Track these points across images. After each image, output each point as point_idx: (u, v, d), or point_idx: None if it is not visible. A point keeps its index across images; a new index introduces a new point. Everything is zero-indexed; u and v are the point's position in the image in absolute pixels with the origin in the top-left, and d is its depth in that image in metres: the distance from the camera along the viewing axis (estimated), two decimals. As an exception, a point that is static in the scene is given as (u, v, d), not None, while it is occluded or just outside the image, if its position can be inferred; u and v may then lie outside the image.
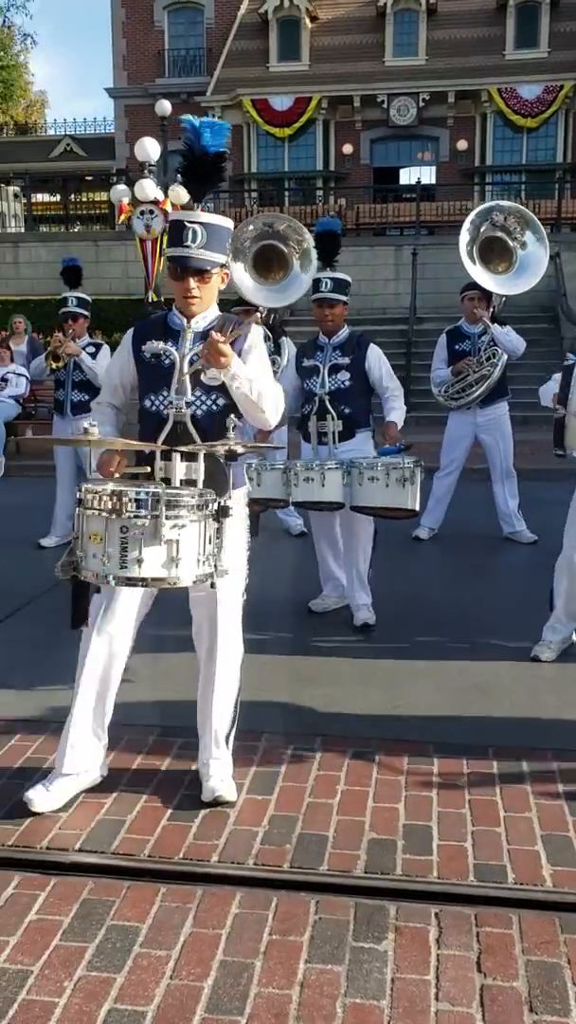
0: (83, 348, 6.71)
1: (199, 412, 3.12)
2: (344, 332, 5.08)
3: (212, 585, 2.97)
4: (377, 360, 5.05)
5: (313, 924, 2.57)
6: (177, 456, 3.03)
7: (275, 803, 3.19)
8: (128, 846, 2.95)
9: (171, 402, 3.12)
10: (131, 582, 2.83)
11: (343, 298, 5.03)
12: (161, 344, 3.10)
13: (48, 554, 6.60)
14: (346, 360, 5.00)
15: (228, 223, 3.16)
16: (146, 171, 14.16)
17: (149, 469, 3.13)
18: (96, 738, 3.27)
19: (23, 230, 20.31)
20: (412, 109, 26.16)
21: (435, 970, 2.39)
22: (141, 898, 2.70)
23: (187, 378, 3.10)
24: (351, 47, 26.72)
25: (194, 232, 3.01)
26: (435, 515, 6.97)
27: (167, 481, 3.03)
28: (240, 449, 2.95)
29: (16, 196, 21.27)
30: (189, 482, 3.03)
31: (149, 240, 13.97)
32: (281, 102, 25.96)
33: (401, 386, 5.21)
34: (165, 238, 14.50)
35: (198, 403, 3.12)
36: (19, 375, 11.50)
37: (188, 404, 3.11)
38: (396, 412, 5.03)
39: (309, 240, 6.00)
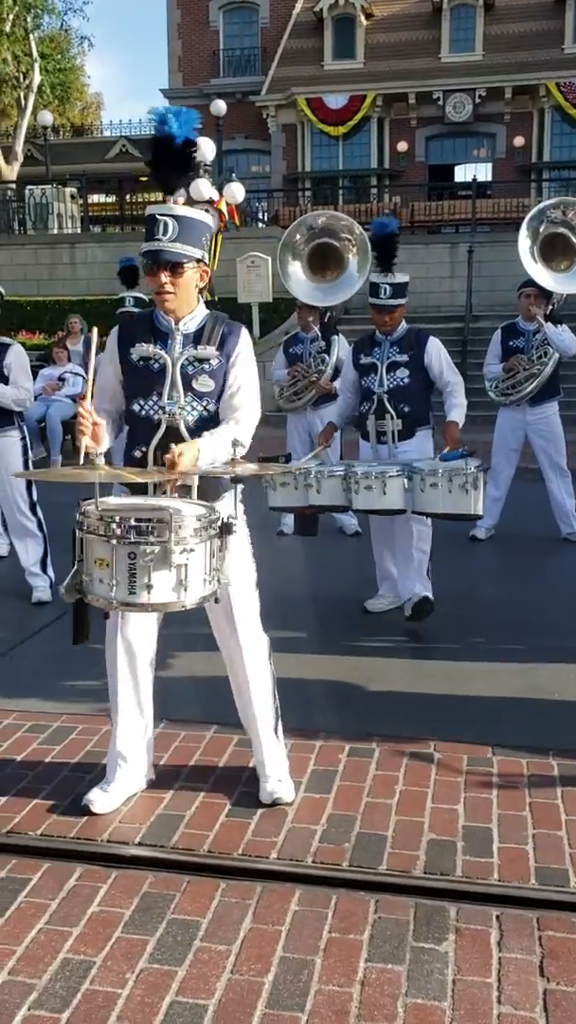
0: None
1: (191, 417, 3.03)
2: (402, 328, 5.05)
3: (216, 600, 2.90)
4: (437, 354, 5.00)
5: (373, 923, 2.57)
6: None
7: (333, 802, 3.20)
8: (187, 841, 2.97)
9: (163, 407, 3.02)
10: (140, 608, 2.77)
11: (402, 302, 5.00)
12: (151, 347, 3.03)
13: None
14: (404, 357, 4.96)
15: (205, 217, 3.05)
16: (201, 171, 14.24)
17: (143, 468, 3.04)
18: (141, 745, 3.30)
19: (79, 231, 20.53)
20: (468, 105, 25.95)
21: (497, 973, 2.37)
22: (201, 893, 2.72)
23: (179, 382, 3.02)
24: (407, 44, 26.58)
25: (165, 224, 2.92)
26: (492, 514, 6.90)
27: (157, 487, 2.98)
28: (242, 472, 2.88)
29: (73, 197, 21.51)
30: (184, 488, 2.97)
31: (204, 240, 14.06)
32: (336, 100, 25.91)
33: (462, 380, 5.12)
34: (220, 238, 14.63)
35: (190, 408, 3.03)
36: (76, 374, 11.62)
37: (180, 410, 3.02)
38: (456, 411, 4.95)
39: (364, 238, 5.98)
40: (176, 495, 2.94)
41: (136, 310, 6.80)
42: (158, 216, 2.95)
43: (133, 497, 3.03)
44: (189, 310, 3.06)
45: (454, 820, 3.07)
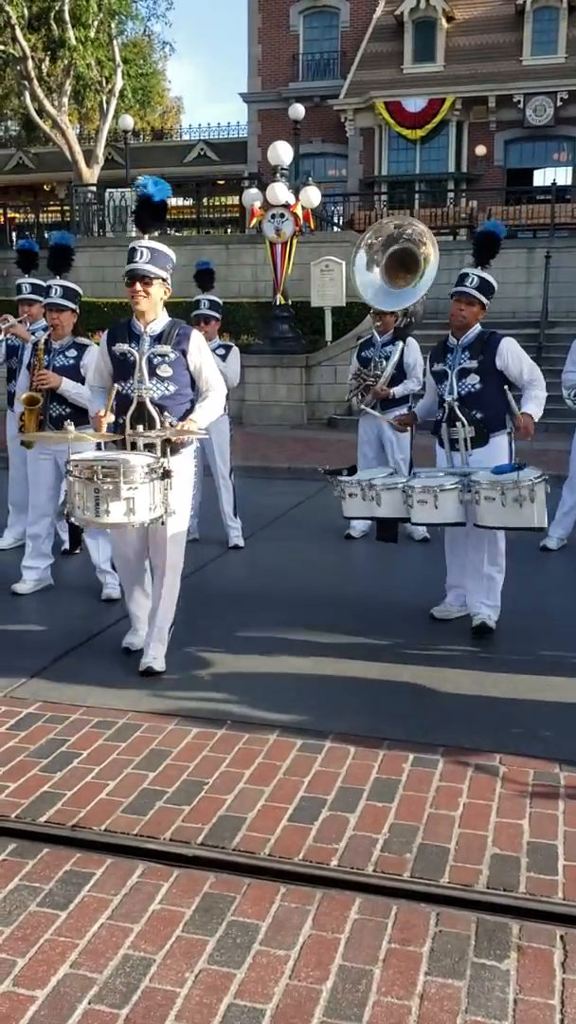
0: (213, 350, 6.82)
1: (155, 395, 4.27)
2: (473, 332, 4.98)
3: (163, 523, 4.19)
4: (511, 354, 4.91)
5: (433, 936, 2.54)
6: (140, 428, 4.18)
7: (395, 811, 3.17)
8: (248, 844, 2.98)
9: (135, 388, 4.26)
10: (102, 525, 4.14)
11: (484, 300, 4.94)
12: (126, 346, 4.30)
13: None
14: (474, 363, 4.90)
15: (168, 250, 4.28)
16: (278, 175, 14.32)
17: (122, 437, 4.25)
18: (146, 611, 4.65)
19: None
20: (549, 109, 25.55)
21: (560, 995, 2.32)
22: (261, 896, 2.73)
23: (145, 370, 4.25)
24: (488, 47, 26.30)
25: (142, 252, 4.19)
26: (564, 525, 6.78)
27: (134, 445, 4.20)
28: (170, 435, 4.18)
29: (151, 200, 21.77)
30: (149, 446, 4.18)
31: (279, 243, 14.13)
32: (415, 104, 25.76)
33: (542, 377, 4.99)
34: (295, 241, 14.66)
35: (155, 388, 4.27)
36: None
37: (147, 390, 4.24)
38: (532, 403, 4.85)
39: (436, 245, 5.93)
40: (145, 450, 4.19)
41: (212, 313, 6.84)
42: (137, 247, 4.21)
43: (108, 452, 4.27)
44: (155, 317, 4.32)
45: (518, 835, 3.02)
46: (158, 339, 4.28)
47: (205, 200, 25.13)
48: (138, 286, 4.21)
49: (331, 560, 6.77)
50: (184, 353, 4.31)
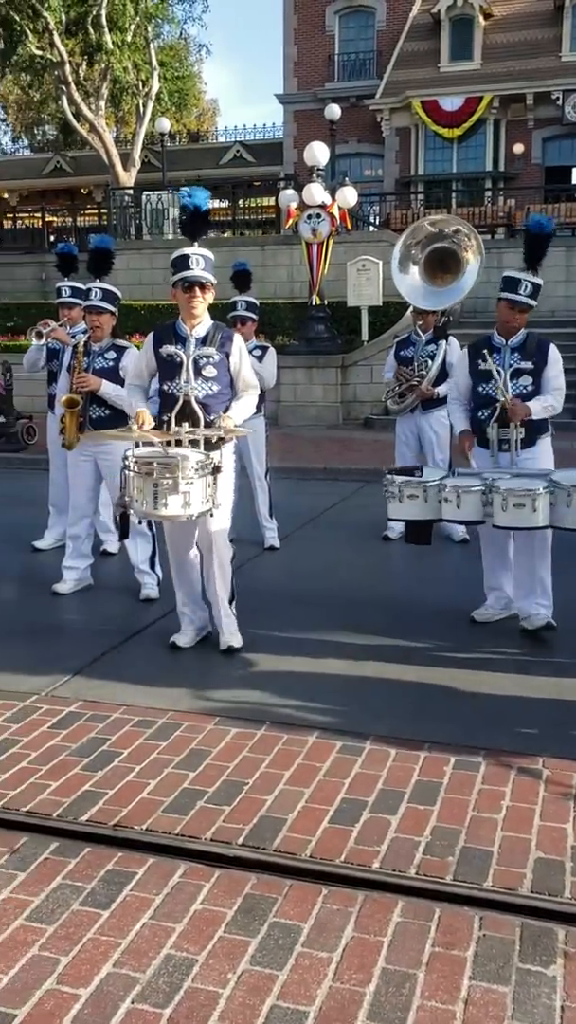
0: (250, 351, 6.81)
1: (200, 394, 4.50)
2: (521, 333, 4.94)
3: (211, 515, 4.41)
4: (555, 363, 4.91)
5: (477, 940, 2.52)
6: (185, 425, 4.41)
7: (437, 814, 3.14)
8: (289, 845, 2.97)
9: (181, 387, 4.49)
10: (161, 518, 4.38)
11: (534, 304, 4.91)
12: (172, 347, 4.54)
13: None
14: (528, 364, 4.86)
15: (211, 255, 4.52)
16: (314, 175, 14.30)
17: (166, 427, 4.45)
18: (198, 607, 4.87)
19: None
20: (588, 105, 25.26)
21: (607, 1002, 2.29)
22: (302, 898, 2.72)
23: (191, 371, 4.49)
24: (526, 43, 26.06)
25: (196, 259, 4.43)
26: None
27: (179, 443, 4.36)
28: (222, 434, 4.45)
29: (188, 202, 21.86)
30: (194, 443, 4.37)
31: (315, 243, 14.11)
32: (451, 103, 25.59)
33: (564, 391, 4.99)
34: (331, 242, 14.63)
35: (199, 388, 4.51)
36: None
37: (193, 389, 4.48)
38: (540, 402, 4.83)
39: (480, 241, 5.87)
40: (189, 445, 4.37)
41: (249, 314, 6.84)
42: (191, 254, 4.44)
43: (170, 449, 4.35)
44: (201, 320, 4.55)
45: (563, 839, 2.99)
46: (203, 341, 4.53)
47: (241, 202, 25.20)
48: (196, 291, 4.46)
49: (368, 561, 6.74)
50: (227, 355, 4.57)
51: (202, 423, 4.45)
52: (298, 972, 2.41)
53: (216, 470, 4.30)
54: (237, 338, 4.65)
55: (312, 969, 2.42)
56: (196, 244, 4.52)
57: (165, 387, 4.56)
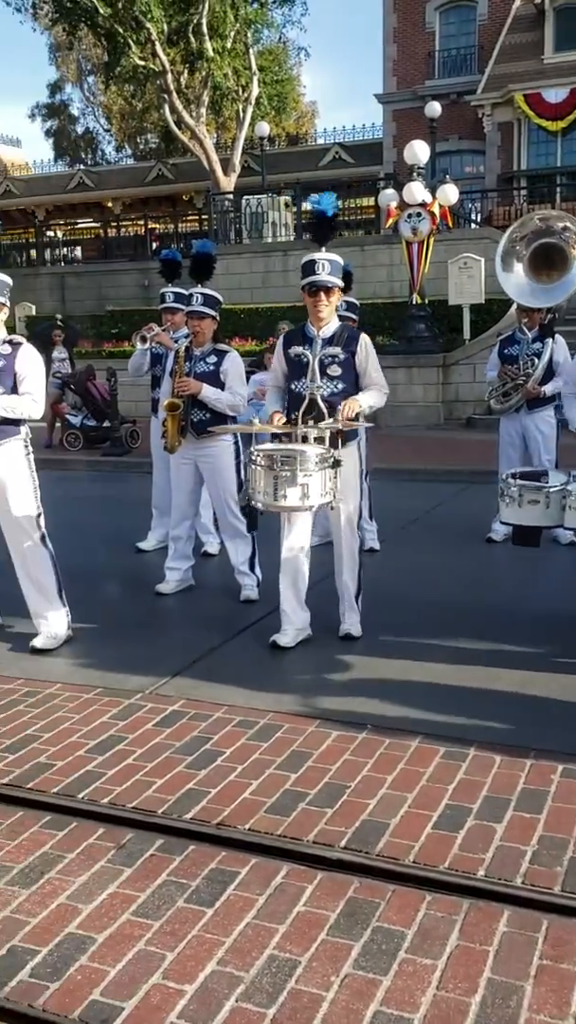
0: None
1: (325, 392, 4.71)
2: None
3: (332, 508, 4.63)
4: None
5: (587, 955, 2.44)
6: (311, 422, 4.65)
7: (544, 823, 3.07)
8: (392, 850, 2.95)
9: (307, 386, 4.71)
10: (281, 509, 4.52)
11: None
12: (300, 348, 4.78)
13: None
14: None
15: (340, 259, 4.74)
16: (415, 174, 14.19)
17: (294, 425, 4.70)
18: (300, 608, 4.91)
19: (292, 238, 20.96)
20: None
21: None
22: (406, 903, 2.69)
23: (317, 370, 4.71)
24: None
25: (323, 264, 4.64)
26: None
27: (305, 438, 4.57)
28: (340, 427, 4.60)
29: (287, 205, 21.96)
30: (319, 439, 4.56)
31: (415, 243, 14.00)
32: (555, 95, 25.00)
33: None
34: (431, 240, 14.46)
35: (325, 386, 4.72)
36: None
37: (318, 388, 4.68)
38: None
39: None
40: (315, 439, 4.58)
41: (349, 314, 6.81)
42: (316, 259, 4.66)
43: (285, 444, 4.67)
44: (328, 321, 4.76)
45: None
46: (329, 342, 4.73)
47: (340, 203, 25.17)
48: (321, 296, 4.67)
49: (471, 564, 6.64)
50: (352, 354, 4.75)
51: (326, 420, 4.63)
52: (402, 978, 2.38)
53: (336, 464, 4.48)
54: (363, 338, 4.78)
55: (416, 976, 2.39)
56: (323, 250, 4.71)
57: (293, 386, 4.82)
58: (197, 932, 2.59)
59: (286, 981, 2.38)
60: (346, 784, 3.36)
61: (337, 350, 4.72)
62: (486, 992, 2.32)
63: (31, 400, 4.79)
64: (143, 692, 4.31)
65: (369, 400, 4.77)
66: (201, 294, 5.60)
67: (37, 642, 4.93)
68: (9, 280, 4.91)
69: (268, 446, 4.62)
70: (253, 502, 4.58)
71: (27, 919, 2.67)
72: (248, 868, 2.88)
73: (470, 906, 2.66)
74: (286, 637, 4.89)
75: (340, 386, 4.72)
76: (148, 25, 23.17)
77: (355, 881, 2.80)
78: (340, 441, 4.67)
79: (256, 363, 12.02)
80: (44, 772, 3.53)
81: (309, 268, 4.67)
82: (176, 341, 6.72)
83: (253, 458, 4.49)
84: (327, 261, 4.65)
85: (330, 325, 4.77)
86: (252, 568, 5.79)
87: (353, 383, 4.78)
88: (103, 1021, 2.26)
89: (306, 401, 4.72)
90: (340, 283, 4.74)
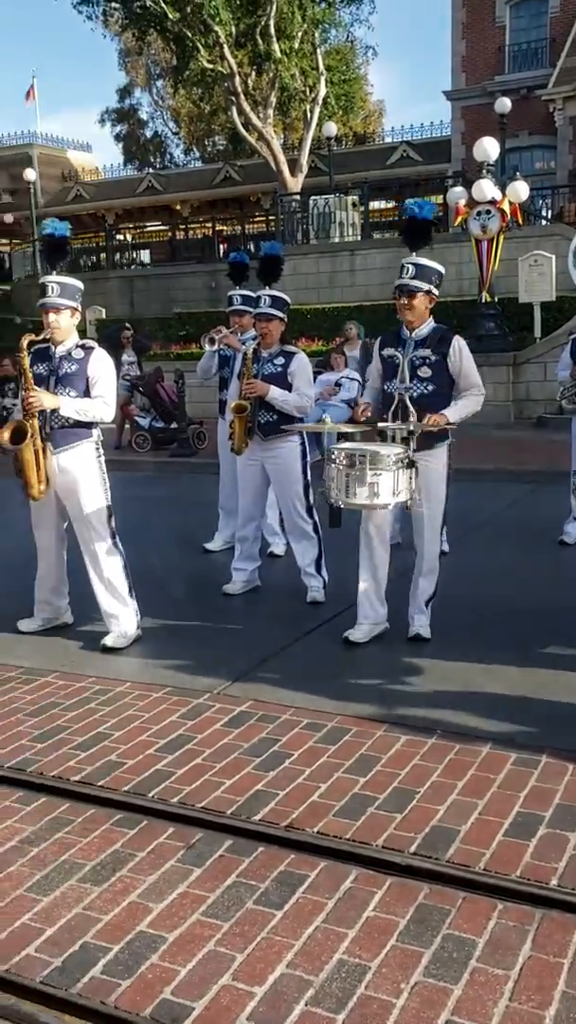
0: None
1: (415, 393, 4.78)
2: None
3: (407, 508, 4.73)
4: None
5: None
6: (398, 422, 4.78)
7: (619, 833, 3.00)
8: (463, 856, 2.91)
9: (396, 387, 4.81)
10: (352, 506, 4.64)
11: None
12: (392, 350, 4.87)
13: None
14: None
15: (435, 264, 4.78)
16: (484, 171, 14.04)
17: (380, 425, 4.84)
18: (379, 602, 5.00)
19: (359, 238, 20.91)
20: None
21: None
22: (477, 912, 2.65)
23: (407, 372, 4.79)
24: None
25: (408, 269, 4.74)
26: None
27: (392, 438, 4.73)
28: (412, 427, 4.68)
29: (354, 205, 21.91)
30: (405, 440, 4.67)
31: (485, 240, 13.85)
32: (629, 87, 24.49)
33: None
34: (501, 237, 14.29)
35: (415, 388, 4.79)
36: (352, 380, 11.83)
37: (407, 389, 4.77)
38: None
39: None
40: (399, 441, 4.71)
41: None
42: (404, 263, 4.76)
43: (365, 443, 4.78)
44: (421, 323, 4.82)
45: None
46: (422, 344, 4.80)
47: (408, 201, 25.00)
48: (404, 299, 4.76)
49: (542, 566, 6.53)
50: (444, 356, 4.79)
51: (413, 420, 4.70)
52: (473, 988, 2.35)
53: (411, 464, 4.59)
54: (456, 340, 4.80)
55: (488, 986, 2.36)
56: (414, 255, 4.78)
57: (385, 387, 4.92)
58: (266, 934, 2.59)
59: (356, 987, 2.37)
60: (415, 789, 3.34)
61: (428, 352, 4.77)
62: (560, 1006, 2.28)
63: (103, 403, 4.86)
64: (211, 692, 4.34)
65: (459, 413, 4.78)
66: (269, 296, 5.62)
67: (108, 641, 5.00)
68: (81, 285, 4.99)
69: (347, 444, 4.77)
70: (328, 499, 4.68)
71: (99, 916, 2.70)
72: (317, 871, 2.88)
73: (543, 916, 2.62)
74: (359, 632, 4.96)
75: (431, 387, 4.78)
76: (216, 28, 23.33)
77: (425, 887, 2.77)
78: (424, 443, 4.72)
79: (322, 363, 12.03)
80: (115, 770, 3.58)
81: (401, 271, 4.78)
82: (243, 343, 6.76)
83: (331, 456, 4.61)
84: (412, 265, 4.72)
85: (424, 327, 4.83)
86: (319, 570, 5.79)
87: (446, 385, 4.83)
88: (174, 1020, 2.28)
89: (396, 402, 4.81)
90: (426, 287, 4.73)
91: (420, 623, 5.01)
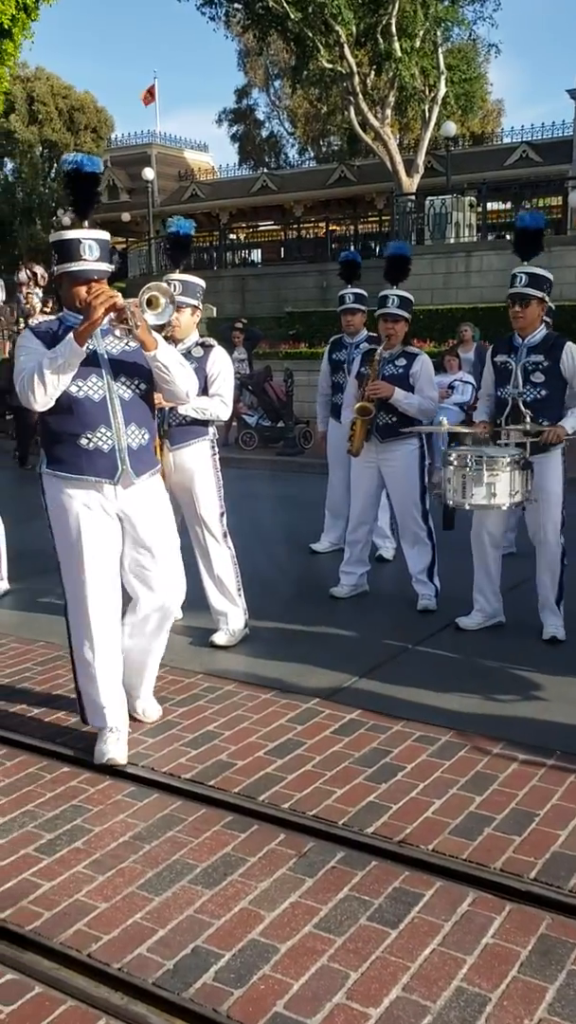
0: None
1: (528, 398, 4.86)
2: None
3: (523, 508, 4.85)
4: None
5: None
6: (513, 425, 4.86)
7: None
8: (587, 887, 2.78)
9: (509, 392, 4.91)
10: (469, 506, 4.76)
11: None
12: (505, 356, 4.98)
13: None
14: None
15: (547, 274, 4.89)
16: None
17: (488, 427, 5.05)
18: (493, 596, 5.19)
19: (475, 239, 20.56)
20: None
21: None
22: (604, 948, 2.52)
23: (520, 377, 4.88)
24: None
25: (520, 278, 4.83)
26: None
27: (498, 439, 4.94)
28: (528, 428, 4.78)
29: (471, 206, 21.56)
30: (520, 444, 4.78)
31: (608, 244, 13.40)
32: None
33: None
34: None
35: (527, 393, 4.87)
36: (465, 383, 11.63)
37: (520, 394, 4.87)
38: None
39: None
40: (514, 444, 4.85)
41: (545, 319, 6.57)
42: (517, 272, 4.86)
43: (482, 447, 4.94)
44: (532, 330, 4.93)
45: None
46: (534, 349, 4.90)
47: (527, 203, 24.52)
48: (517, 307, 4.86)
49: None
50: (556, 361, 4.85)
51: (527, 425, 4.79)
52: (601, 1031, 2.23)
53: (527, 466, 4.70)
54: (569, 346, 4.87)
55: (617, 1030, 2.23)
56: (526, 264, 4.89)
57: (499, 392, 5.01)
58: (381, 953, 2.52)
59: (475, 1018, 2.28)
60: (535, 812, 3.21)
61: (541, 357, 4.88)
62: None
63: (220, 402, 4.86)
64: (319, 698, 4.29)
65: (573, 424, 4.82)
66: (397, 296, 5.53)
67: (217, 638, 5.01)
68: (202, 283, 5.00)
69: (463, 447, 4.95)
70: (444, 500, 4.81)
71: (211, 920, 2.68)
72: (432, 891, 2.79)
73: None
74: (471, 620, 5.20)
75: (544, 392, 4.86)
76: (337, 28, 23.27)
77: (547, 917, 2.66)
78: (539, 446, 4.80)
79: (436, 365, 11.85)
80: (225, 770, 3.56)
81: (511, 280, 4.90)
82: (357, 345, 6.70)
83: (447, 457, 4.77)
84: (524, 274, 4.84)
85: (536, 334, 4.95)
86: (431, 577, 5.67)
87: (559, 389, 4.90)
88: (287, 1036, 2.23)
89: (509, 406, 4.92)
90: (539, 294, 4.85)
91: (554, 624, 5.05)
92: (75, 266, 3.50)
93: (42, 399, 3.47)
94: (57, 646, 5.00)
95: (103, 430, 3.55)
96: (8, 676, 4.62)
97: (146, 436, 3.69)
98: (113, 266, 3.72)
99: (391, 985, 2.40)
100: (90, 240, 3.49)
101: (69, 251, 3.49)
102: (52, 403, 3.50)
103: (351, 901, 2.75)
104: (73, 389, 3.50)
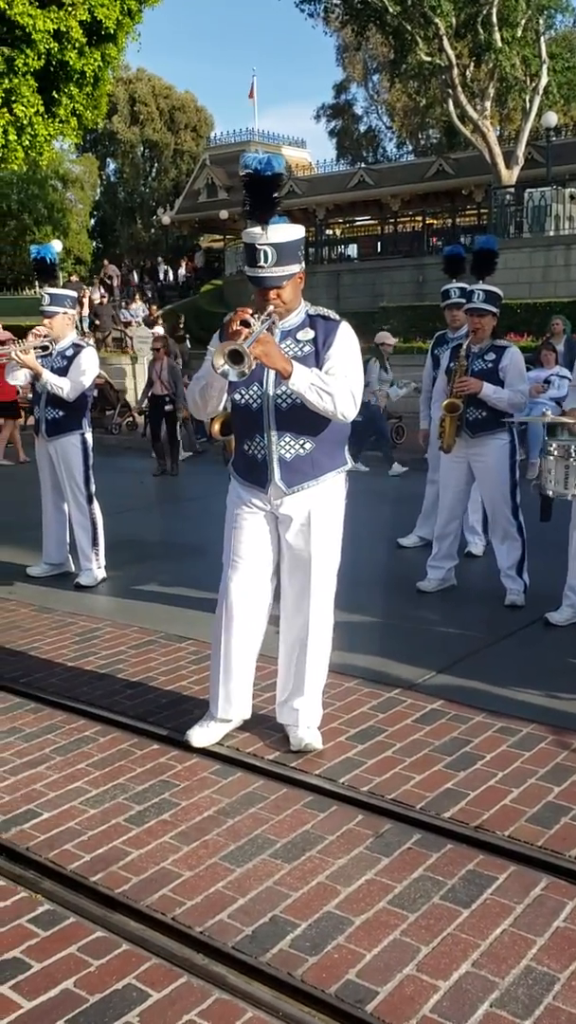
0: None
1: None
2: None
3: None
4: None
5: None
6: None
7: None
8: None
9: None
10: (572, 497, 4.73)
11: None
12: None
13: None
14: None
15: None
16: None
17: None
18: None
19: None
20: None
21: None
22: None
23: None
24: None
25: None
26: None
27: None
28: None
29: (572, 198, 21.11)
30: None
31: None
32: None
33: None
34: None
35: None
36: (563, 377, 11.45)
37: None
38: None
39: None
40: None
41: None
42: None
43: None
44: None
45: None
46: None
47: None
48: None
49: None
50: None
51: None
52: None
53: None
54: None
55: None
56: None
57: None
58: (452, 930, 2.59)
59: (543, 996, 2.33)
60: (613, 804, 3.23)
61: None
62: None
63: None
64: (402, 688, 4.36)
65: None
66: (482, 291, 5.55)
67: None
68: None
69: (565, 439, 4.91)
70: (544, 491, 4.81)
71: (288, 892, 2.79)
72: (506, 875, 2.85)
73: None
74: (560, 615, 5.16)
75: None
76: (436, 20, 23.09)
77: (619, 906, 2.69)
78: None
79: (532, 359, 11.71)
80: (307, 753, 3.67)
81: None
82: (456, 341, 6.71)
83: (548, 448, 4.78)
84: None
85: None
86: (520, 573, 5.67)
87: None
88: (358, 1001, 2.32)
89: None
90: None
91: None
92: (250, 272, 3.49)
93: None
94: (150, 631, 5.20)
95: (257, 439, 3.55)
96: (104, 658, 4.83)
97: (306, 447, 3.53)
98: (302, 265, 3.56)
99: (461, 961, 2.47)
100: (265, 247, 3.36)
101: (248, 256, 3.44)
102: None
103: (425, 881, 2.83)
104: (236, 396, 3.52)
